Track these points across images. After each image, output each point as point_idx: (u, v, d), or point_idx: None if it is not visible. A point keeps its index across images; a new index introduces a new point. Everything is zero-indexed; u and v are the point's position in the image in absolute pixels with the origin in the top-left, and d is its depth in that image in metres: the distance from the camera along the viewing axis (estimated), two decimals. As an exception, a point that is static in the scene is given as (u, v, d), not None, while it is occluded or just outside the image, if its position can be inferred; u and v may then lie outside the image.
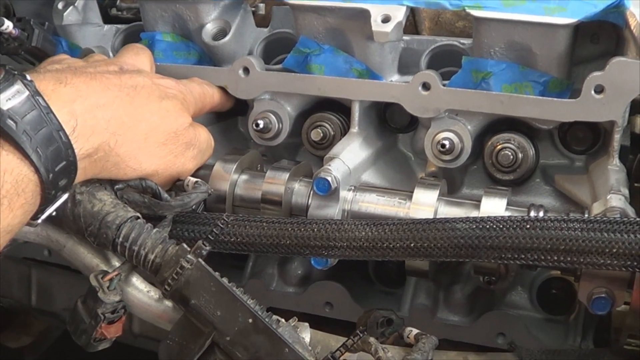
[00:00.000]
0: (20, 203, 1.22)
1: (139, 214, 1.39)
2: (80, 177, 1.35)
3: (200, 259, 1.31)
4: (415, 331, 1.43)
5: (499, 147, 1.62)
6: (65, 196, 1.32)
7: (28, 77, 1.28)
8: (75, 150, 1.29)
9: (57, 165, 1.26)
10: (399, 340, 1.47)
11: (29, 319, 2.95)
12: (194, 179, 1.55)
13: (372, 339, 1.31)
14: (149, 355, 2.17)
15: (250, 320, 1.27)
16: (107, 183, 1.44)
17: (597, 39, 1.66)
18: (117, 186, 1.45)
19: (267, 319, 1.29)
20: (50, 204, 1.29)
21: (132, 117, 1.44)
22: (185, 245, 1.33)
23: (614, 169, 1.53)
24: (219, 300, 1.29)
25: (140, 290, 1.43)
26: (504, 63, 1.59)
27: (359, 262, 1.90)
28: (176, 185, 1.56)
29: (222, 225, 1.42)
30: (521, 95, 1.55)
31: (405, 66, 1.75)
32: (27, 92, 1.24)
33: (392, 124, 1.82)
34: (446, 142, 1.57)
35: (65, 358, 2.78)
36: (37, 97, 1.25)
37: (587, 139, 1.67)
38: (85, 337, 1.40)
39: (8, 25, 1.52)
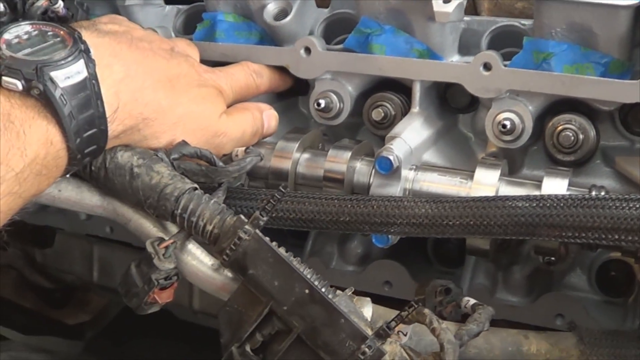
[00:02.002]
0: (54, 175, 1.30)
1: (196, 185, 1.42)
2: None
3: (257, 230, 1.33)
4: (472, 301, 1.44)
5: (560, 127, 1.62)
6: None
7: (91, 52, 1.32)
8: (109, 132, 1.36)
9: (88, 147, 1.33)
10: (457, 310, 1.48)
11: (88, 296, 3.00)
12: (243, 149, 1.60)
13: (426, 310, 1.32)
14: (208, 331, 2.22)
15: (307, 291, 1.29)
16: (163, 154, 1.47)
17: (659, 21, 1.65)
18: (173, 156, 1.48)
19: (324, 289, 1.31)
20: None
21: (169, 102, 1.50)
22: (242, 217, 1.35)
23: (676, 150, 1.52)
24: (276, 271, 1.31)
25: (198, 259, 1.44)
26: (565, 44, 1.59)
27: (418, 242, 1.92)
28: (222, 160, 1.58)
29: (279, 197, 1.43)
30: (582, 76, 1.54)
31: (466, 47, 1.75)
32: (86, 74, 1.28)
33: (452, 104, 1.82)
34: (507, 123, 1.58)
35: (124, 335, 2.84)
36: (93, 81, 1.30)
37: (648, 121, 1.67)
38: (136, 300, 1.42)
39: (60, 3, 1.55)
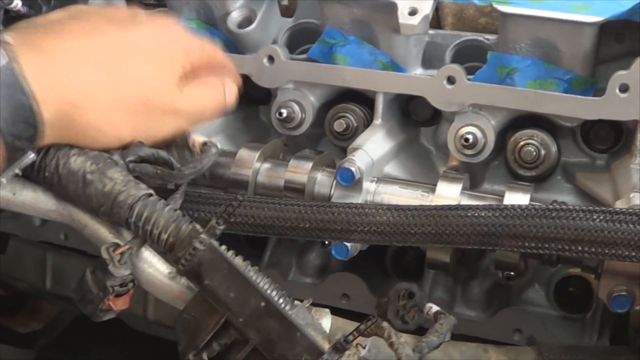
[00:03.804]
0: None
1: (151, 191, 1.38)
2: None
3: (213, 240, 1.31)
4: (435, 308, 1.43)
5: (522, 143, 1.62)
6: (31, 156, 1.32)
7: (10, 41, 1.25)
8: (43, 118, 1.28)
9: (21, 130, 1.25)
10: (420, 315, 1.46)
11: (39, 304, 2.96)
12: (201, 139, 1.52)
13: (385, 324, 1.31)
14: (162, 342, 2.19)
15: (263, 304, 1.27)
16: (118, 156, 1.44)
17: (622, 38, 1.66)
18: (128, 159, 1.45)
19: (281, 300, 1.29)
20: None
21: (99, 84, 1.36)
22: (198, 226, 1.32)
23: (636, 168, 1.52)
24: (231, 283, 1.28)
25: (154, 266, 1.41)
26: (529, 59, 1.59)
27: (377, 255, 1.91)
28: (177, 143, 1.55)
29: (236, 205, 1.41)
30: (546, 92, 1.55)
31: (429, 60, 1.76)
32: (5, 60, 1.24)
33: (415, 117, 1.82)
34: (469, 137, 1.57)
35: (76, 344, 2.80)
36: (14, 65, 1.23)
37: (610, 138, 1.67)
38: (91, 307, 1.39)
39: (17, 3, 1.52)
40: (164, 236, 1.33)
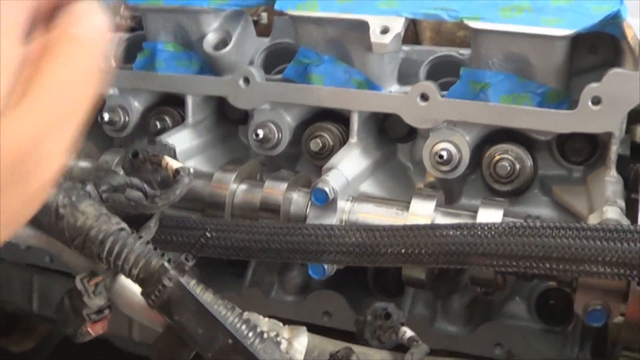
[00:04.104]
0: None
1: (123, 226, 1.38)
2: None
3: (181, 278, 1.31)
4: (409, 334, 1.43)
5: (497, 158, 1.63)
6: None
7: None
8: None
9: None
10: (396, 337, 1.47)
11: (32, 323, 2.96)
12: (174, 165, 1.51)
13: (354, 357, 1.32)
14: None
15: (230, 341, 1.27)
16: (91, 187, 1.44)
17: (596, 49, 1.67)
18: (101, 189, 1.45)
19: (250, 335, 1.29)
20: None
21: None
22: (166, 263, 1.31)
23: (610, 180, 1.53)
24: (199, 320, 1.28)
25: (131, 290, 1.42)
26: (502, 74, 1.60)
27: (358, 272, 1.90)
28: (150, 161, 1.55)
29: (211, 230, 1.41)
30: (519, 107, 1.55)
31: (405, 76, 1.76)
32: None
33: (391, 134, 1.82)
34: (444, 153, 1.58)
35: (68, 361, 2.81)
36: None
37: (585, 150, 1.68)
38: (71, 329, 1.41)
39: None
40: (135, 272, 1.33)
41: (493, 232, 1.30)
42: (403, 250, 1.36)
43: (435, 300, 1.80)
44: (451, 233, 1.33)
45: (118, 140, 1.99)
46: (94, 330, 1.41)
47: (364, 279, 1.93)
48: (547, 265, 1.27)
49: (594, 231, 1.25)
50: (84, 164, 1.83)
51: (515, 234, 1.29)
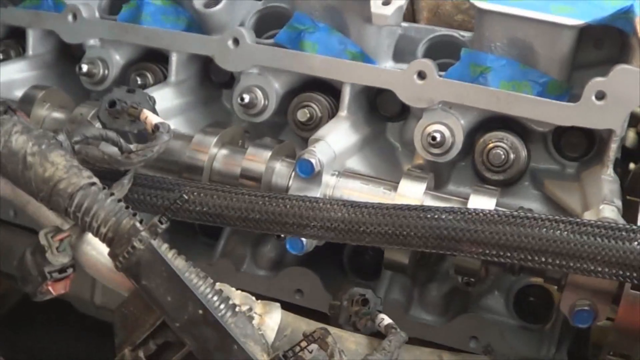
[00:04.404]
0: None
1: (94, 180, 1.30)
2: None
3: (153, 240, 1.23)
4: (387, 321, 1.37)
5: (491, 145, 1.57)
6: None
7: None
8: None
9: None
10: (372, 324, 1.41)
11: (-10, 279, 2.88)
12: (154, 120, 1.45)
13: (330, 339, 1.25)
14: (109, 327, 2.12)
15: (200, 312, 1.20)
16: (63, 136, 1.36)
17: (601, 44, 1.62)
18: (75, 139, 1.38)
19: (222, 307, 1.22)
20: None
21: None
22: (138, 224, 1.24)
23: (607, 179, 1.48)
24: (169, 286, 1.21)
25: (97, 250, 1.34)
26: (504, 59, 1.54)
27: (334, 252, 1.84)
28: (129, 113, 1.48)
29: (187, 193, 1.33)
30: (520, 94, 1.49)
31: (401, 54, 1.71)
32: None
33: (382, 111, 1.75)
34: (437, 135, 1.51)
35: (23, 322, 2.73)
36: None
37: (581, 146, 1.62)
38: (31, 287, 1.32)
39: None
40: (103, 230, 1.26)
41: (488, 219, 1.24)
42: (390, 231, 1.29)
43: (413, 286, 1.74)
44: (443, 217, 1.27)
45: (95, 93, 1.90)
46: (55, 289, 1.33)
47: (340, 259, 1.87)
48: (542, 259, 1.22)
49: (594, 227, 1.20)
50: (57, 114, 1.75)
51: (512, 223, 1.23)
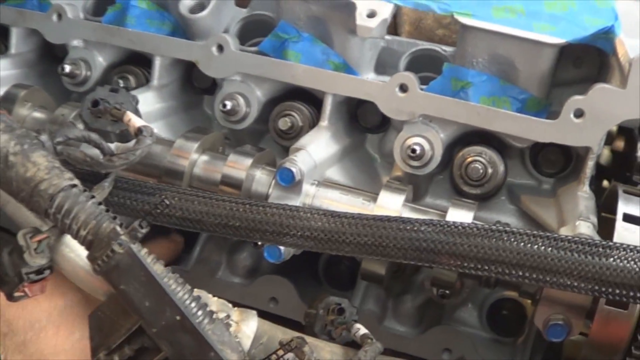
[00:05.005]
0: None
1: (75, 182, 1.30)
2: None
3: (133, 245, 1.23)
4: (363, 331, 1.38)
5: (470, 159, 1.58)
6: None
7: None
8: None
9: None
10: (347, 333, 1.42)
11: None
12: (137, 123, 1.44)
13: (306, 348, 1.25)
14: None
15: (178, 318, 1.20)
16: (46, 137, 1.36)
17: (580, 63, 1.65)
18: (57, 139, 1.37)
19: (200, 314, 1.22)
20: None
21: None
22: (118, 228, 1.24)
23: (583, 196, 1.50)
24: (147, 291, 1.21)
25: (75, 252, 1.34)
26: (485, 75, 1.56)
27: (309, 261, 1.85)
28: (112, 114, 1.48)
29: (168, 198, 1.33)
30: (499, 110, 1.51)
31: (382, 66, 1.72)
32: None
33: (362, 122, 1.76)
34: (417, 148, 1.52)
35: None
36: None
37: (558, 163, 1.64)
38: (7, 288, 1.32)
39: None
40: (83, 232, 1.26)
41: (467, 232, 1.25)
42: (369, 241, 1.30)
43: (387, 298, 1.75)
44: (422, 228, 1.27)
45: (76, 95, 1.90)
46: (32, 291, 1.33)
47: (315, 269, 1.87)
48: (519, 273, 1.23)
49: (571, 242, 1.21)
50: (39, 114, 1.74)
51: (491, 237, 1.24)
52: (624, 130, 1.74)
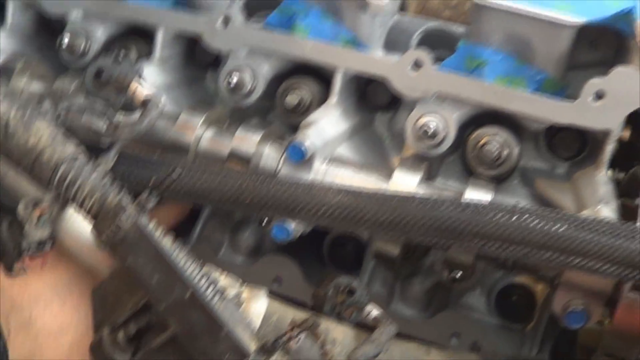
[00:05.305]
0: None
1: (79, 152, 1.25)
2: None
3: (141, 218, 1.19)
4: (375, 312, 1.34)
5: (484, 140, 1.53)
6: None
7: None
8: None
9: None
10: (358, 314, 1.38)
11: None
12: (143, 92, 1.40)
13: (321, 328, 1.22)
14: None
15: (188, 294, 1.16)
16: (49, 104, 1.31)
17: (596, 45, 1.60)
18: (60, 108, 1.33)
19: (210, 291, 1.18)
20: None
21: None
22: (125, 200, 1.20)
23: (602, 180, 1.46)
24: (156, 266, 1.17)
25: (79, 224, 1.30)
26: (500, 54, 1.52)
27: (314, 242, 1.80)
28: (116, 83, 1.43)
29: (178, 171, 1.28)
30: (517, 90, 1.47)
31: (392, 44, 1.68)
32: None
33: (371, 101, 1.71)
34: (431, 126, 1.48)
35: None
36: None
37: (574, 146, 1.60)
38: (6, 262, 1.27)
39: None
40: (88, 204, 1.21)
41: (493, 212, 1.21)
42: (389, 219, 1.26)
43: (395, 280, 1.71)
44: (445, 207, 1.24)
45: (74, 68, 1.84)
46: (32, 265, 1.28)
47: (319, 249, 1.82)
48: (546, 255, 1.19)
49: (601, 225, 1.18)
50: (37, 85, 1.68)
51: (517, 217, 1.20)
52: (631, 119, 1.71)
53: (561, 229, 1.18)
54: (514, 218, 1.20)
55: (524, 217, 1.20)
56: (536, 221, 1.20)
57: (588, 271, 1.19)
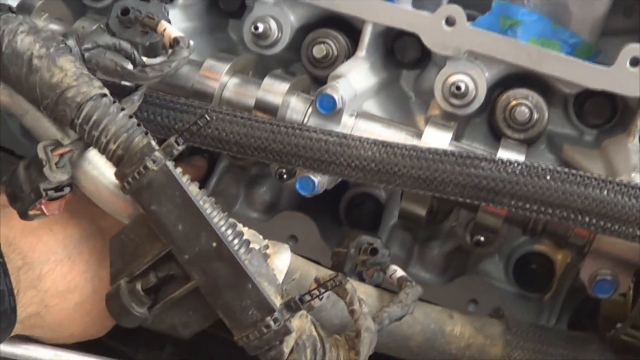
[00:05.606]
0: None
1: (105, 91, 1.20)
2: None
3: (168, 161, 1.15)
4: (400, 273, 1.31)
5: (515, 102, 1.49)
6: None
7: None
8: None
9: None
10: (381, 275, 1.35)
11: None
12: (173, 33, 1.33)
13: (349, 286, 1.18)
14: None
15: (215, 244, 1.12)
16: (73, 42, 1.26)
17: (630, 12, 1.57)
18: (85, 46, 1.28)
19: (236, 242, 1.14)
20: None
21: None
22: (153, 142, 1.16)
23: (634, 148, 1.43)
24: (182, 214, 1.12)
25: (99, 170, 1.24)
26: (535, 14, 1.49)
27: (331, 200, 1.77)
28: (144, 23, 1.37)
29: (208, 117, 1.24)
30: (552, 51, 1.42)
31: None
32: None
33: (399, 57, 1.66)
34: (461, 85, 1.44)
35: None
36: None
37: (604, 114, 1.56)
38: (21, 206, 1.22)
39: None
40: (112, 146, 1.16)
41: (533, 173, 1.18)
42: (424, 175, 1.22)
43: (413, 243, 1.68)
44: (483, 165, 1.20)
45: (92, 10, 1.79)
46: (49, 209, 1.23)
47: (336, 209, 1.79)
48: (586, 219, 1.16)
49: (645, 191, 1.14)
50: (56, 26, 1.63)
51: (557, 179, 1.17)
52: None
53: (604, 193, 1.15)
54: (555, 180, 1.17)
55: (566, 179, 1.17)
56: (578, 184, 1.16)
57: (629, 239, 1.16)
